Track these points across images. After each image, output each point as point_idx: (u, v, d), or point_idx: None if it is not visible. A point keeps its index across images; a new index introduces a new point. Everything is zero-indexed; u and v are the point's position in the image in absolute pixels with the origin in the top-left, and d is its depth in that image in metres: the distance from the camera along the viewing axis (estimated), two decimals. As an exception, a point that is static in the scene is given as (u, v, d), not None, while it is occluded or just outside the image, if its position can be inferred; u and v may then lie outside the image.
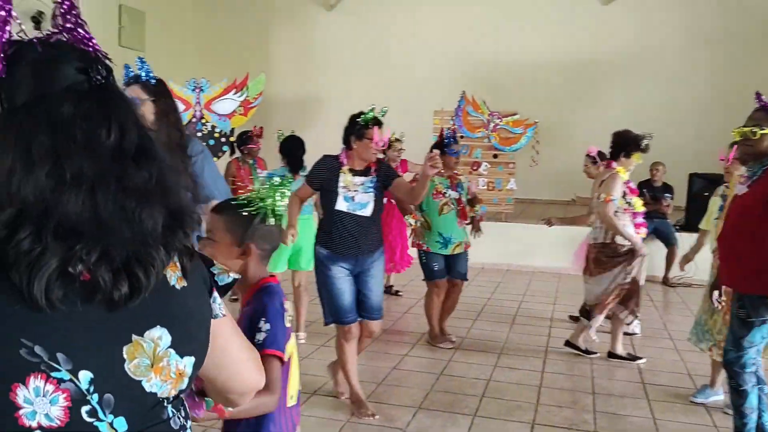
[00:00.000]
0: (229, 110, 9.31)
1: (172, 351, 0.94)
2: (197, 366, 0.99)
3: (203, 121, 9.38)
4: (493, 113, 8.78)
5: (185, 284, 0.97)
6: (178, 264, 0.97)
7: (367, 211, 3.60)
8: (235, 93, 9.26)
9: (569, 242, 8.09)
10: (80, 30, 0.94)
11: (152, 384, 0.92)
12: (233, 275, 1.13)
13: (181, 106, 9.56)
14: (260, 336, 1.70)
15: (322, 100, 12.82)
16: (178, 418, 0.99)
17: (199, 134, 9.42)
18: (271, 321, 1.71)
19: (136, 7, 11.76)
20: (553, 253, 8.21)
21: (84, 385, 0.86)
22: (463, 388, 4.21)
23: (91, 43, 0.94)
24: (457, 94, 9.00)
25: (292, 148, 4.94)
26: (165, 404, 0.96)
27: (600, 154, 5.74)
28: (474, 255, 6.45)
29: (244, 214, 1.77)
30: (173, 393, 0.96)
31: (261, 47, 13.01)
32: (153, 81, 2.75)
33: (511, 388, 4.22)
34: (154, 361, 0.92)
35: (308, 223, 4.77)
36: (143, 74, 2.73)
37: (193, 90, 9.34)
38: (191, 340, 0.98)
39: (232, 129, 9.36)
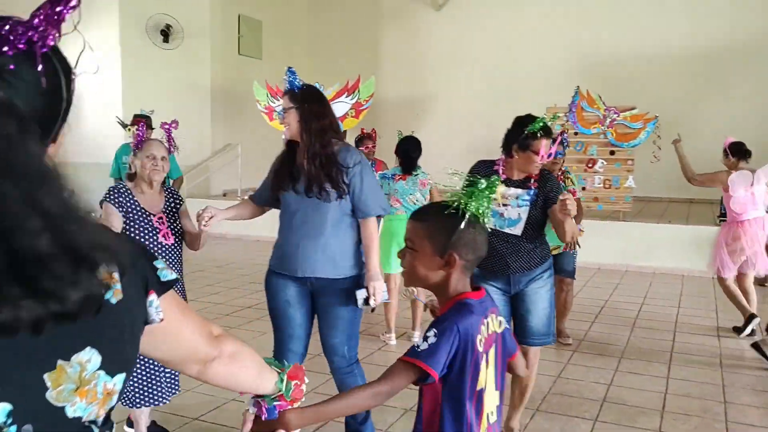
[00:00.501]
0: (341, 113, 9.54)
1: (101, 372, 0.85)
2: (126, 379, 0.93)
3: (317, 124, 9.69)
4: (610, 108, 8.46)
5: (122, 296, 0.88)
6: (116, 275, 0.86)
7: (517, 230, 3.04)
8: (347, 96, 9.48)
9: (693, 242, 7.68)
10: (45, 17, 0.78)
11: (76, 408, 0.83)
12: (175, 274, 1.05)
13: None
14: (422, 345, 1.54)
15: (431, 99, 12.87)
16: None
17: (313, 137, 9.74)
18: (440, 335, 1.54)
19: (254, 17, 12.30)
20: (675, 253, 7.81)
21: (1, 419, 0.78)
22: (582, 392, 4.09)
23: (30, 31, 0.78)
24: (570, 90, 8.75)
25: (407, 149, 4.95)
26: (91, 428, 0.88)
27: (733, 145, 5.42)
28: (590, 255, 6.26)
29: (448, 220, 1.58)
30: (101, 414, 0.88)
31: (371, 50, 13.25)
32: (298, 89, 2.83)
33: (633, 394, 4.06)
34: (81, 385, 0.83)
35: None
36: (289, 83, 2.86)
37: (308, 94, 9.66)
38: (123, 356, 0.90)
39: (344, 131, 9.59)
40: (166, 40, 10.78)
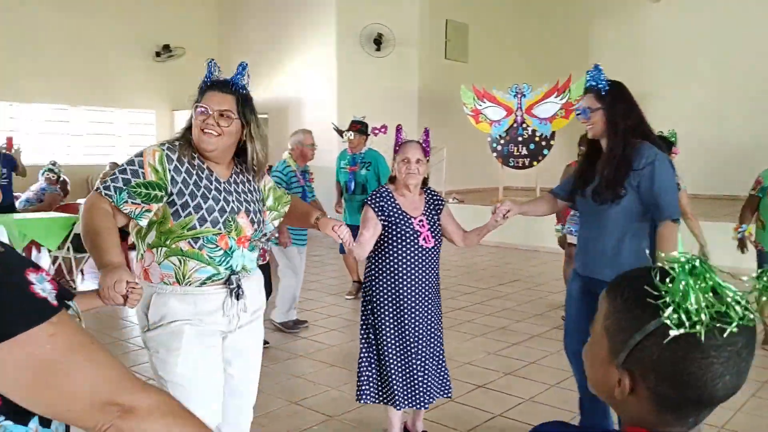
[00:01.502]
0: (550, 113, 9.25)
1: None
2: None
3: (524, 125, 9.48)
4: None
5: None
6: None
7: None
8: (557, 96, 9.17)
9: None
10: None
11: None
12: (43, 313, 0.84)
13: (502, 112, 9.84)
14: None
15: (650, 96, 11.96)
16: None
17: (520, 138, 9.54)
18: None
19: (461, 20, 12.38)
20: None
21: None
22: None
23: None
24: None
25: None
26: None
27: None
28: None
29: (637, 308, 0.86)
30: None
31: (582, 47, 12.68)
32: (604, 88, 2.73)
33: None
34: None
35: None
36: (594, 82, 2.74)
37: (515, 96, 9.49)
38: None
39: (553, 132, 9.28)
40: (378, 48, 11.26)
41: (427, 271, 2.96)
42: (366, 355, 3.04)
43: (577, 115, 2.80)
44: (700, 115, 11.31)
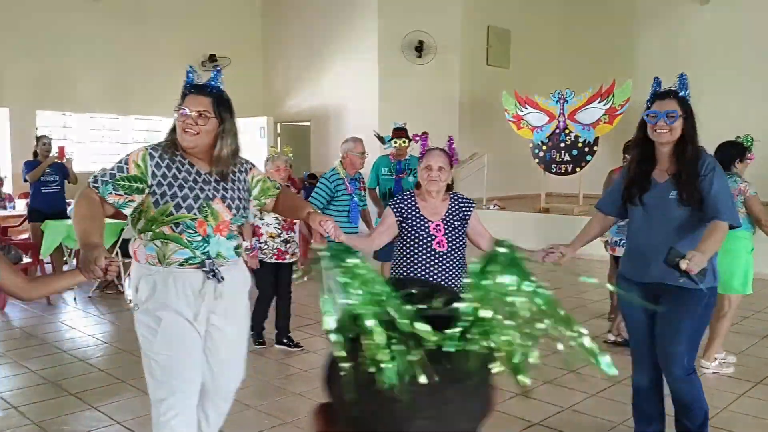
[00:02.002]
0: (593, 119, 9.12)
1: None
2: None
3: (566, 131, 9.37)
4: None
5: None
6: None
7: None
8: (600, 101, 9.04)
9: None
10: None
11: None
12: None
13: (544, 118, 9.75)
14: None
15: (696, 103, 11.71)
16: None
17: (562, 144, 9.43)
18: None
19: (503, 26, 12.33)
20: None
21: None
22: (749, 427, 3.40)
23: None
24: None
25: (725, 155, 4.18)
26: None
27: None
28: None
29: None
30: None
31: (627, 52, 12.48)
32: (686, 98, 2.82)
33: None
34: None
35: (737, 240, 4.04)
36: (679, 88, 2.82)
37: (558, 101, 9.39)
38: None
39: (596, 138, 9.15)
40: (419, 55, 11.29)
41: (442, 277, 2.98)
42: None
43: (648, 116, 2.78)
44: (746, 123, 11.00)
